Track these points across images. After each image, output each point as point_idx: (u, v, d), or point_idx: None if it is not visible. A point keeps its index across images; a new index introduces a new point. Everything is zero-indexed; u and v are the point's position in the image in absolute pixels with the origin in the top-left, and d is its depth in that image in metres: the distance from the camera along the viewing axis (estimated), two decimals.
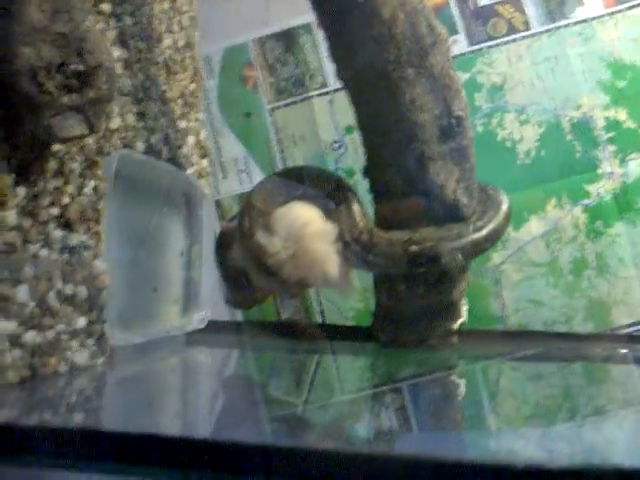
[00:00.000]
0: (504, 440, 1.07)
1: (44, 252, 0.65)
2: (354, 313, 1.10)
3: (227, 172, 1.13)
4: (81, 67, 0.59)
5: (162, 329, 0.90)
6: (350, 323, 1.11)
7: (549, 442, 1.07)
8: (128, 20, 0.84)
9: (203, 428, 0.65)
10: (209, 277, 1.01)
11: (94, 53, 0.59)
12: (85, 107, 0.60)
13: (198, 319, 0.98)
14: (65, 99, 0.58)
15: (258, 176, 1.11)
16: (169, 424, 0.61)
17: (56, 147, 0.67)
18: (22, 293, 0.63)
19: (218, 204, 1.12)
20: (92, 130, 0.61)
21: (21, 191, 0.63)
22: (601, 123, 1.07)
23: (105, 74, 0.60)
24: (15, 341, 0.62)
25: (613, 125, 1.07)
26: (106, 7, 0.78)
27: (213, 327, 1.01)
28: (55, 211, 0.67)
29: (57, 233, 0.67)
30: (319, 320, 1.11)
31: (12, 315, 0.61)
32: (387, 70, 0.79)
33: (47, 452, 0.43)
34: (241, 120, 1.14)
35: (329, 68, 1.12)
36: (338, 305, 1.10)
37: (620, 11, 1.08)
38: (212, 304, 1.02)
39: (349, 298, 1.09)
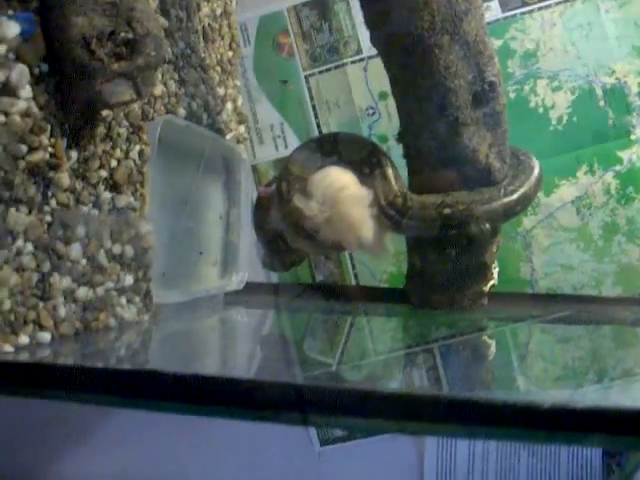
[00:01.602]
0: None
1: (94, 212, 0.69)
2: (387, 276, 1.13)
3: (263, 138, 1.16)
4: (130, 35, 0.61)
5: (202, 289, 0.93)
6: (383, 286, 1.13)
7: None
8: None
9: None
10: (247, 240, 1.04)
11: (142, 22, 0.62)
12: (134, 74, 0.62)
13: (236, 280, 1.02)
14: (115, 66, 0.61)
15: (293, 142, 1.14)
16: None
17: (105, 112, 0.70)
18: (75, 251, 0.66)
19: (255, 169, 1.15)
20: (140, 96, 0.64)
21: (73, 154, 0.66)
22: (635, 89, 1.07)
23: (153, 42, 0.63)
24: (69, 296, 0.65)
25: None
26: None
27: (250, 288, 1.04)
28: (104, 174, 0.71)
29: (106, 195, 0.71)
30: (352, 283, 1.14)
31: (66, 271, 0.65)
32: (421, 37, 0.80)
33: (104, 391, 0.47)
34: (277, 87, 1.16)
35: (363, 35, 1.13)
36: (371, 268, 1.13)
37: None
38: (249, 266, 1.05)
39: (382, 261, 1.12)
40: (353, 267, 1.13)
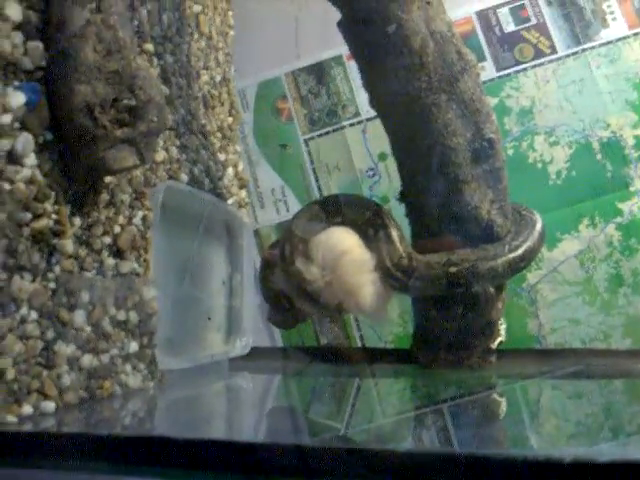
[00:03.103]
0: None
1: (98, 279, 0.68)
2: (393, 338, 1.12)
3: (264, 202, 1.16)
4: (133, 102, 0.62)
5: (207, 355, 0.92)
6: (389, 347, 1.12)
7: None
8: (169, 58, 0.88)
9: None
10: (250, 305, 1.04)
11: (145, 89, 0.63)
12: (137, 139, 0.63)
13: (241, 346, 1.01)
14: (118, 132, 0.62)
15: (295, 205, 1.14)
16: None
17: (107, 179, 0.70)
18: (79, 318, 0.66)
19: (257, 233, 1.15)
20: (143, 161, 0.64)
21: (77, 221, 0.66)
22: (631, 142, 1.08)
23: (155, 108, 0.64)
24: (73, 364, 0.64)
25: None
26: (149, 46, 0.82)
27: (255, 353, 1.03)
28: (107, 240, 0.71)
29: (110, 261, 0.71)
30: (358, 345, 1.12)
31: (70, 339, 0.64)
32: (419, 97, 0.82)
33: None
34: (277, 151, 1.17)
35: (361, 98, 1.15)
36: (377, 330, 1.12)
37: None
38: (253, 331, 1.04)
39: (385, 325, 1.11)
40: (359, 329, 1.12)
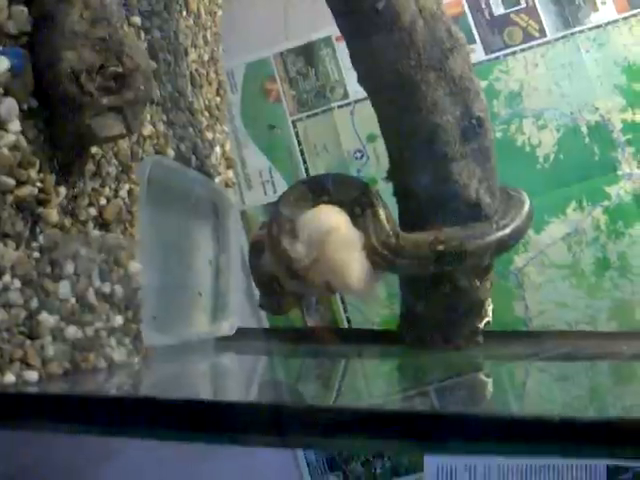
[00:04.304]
0: None
1: (84, 250, 0.68)
2: (380, 319, 1.12)
3: (252, 183, 1.16)
4: (120, 70, 0.62)
5: (193, 333, 0.91)
6: (376, 328, 1.12)
7: None
8: (157, 33, 0.87)
9: None
10: (236, 286, 1.03)
11: (132, 56, 0.62)
12: (124, 108, 0.62)
13: (227, 326, 1.00)
14: (105, 100, 0.61)
15: (282, 187, 1.14)
16: None
17: (94, 150, 0.69)
18: (64, 289, 0.65)
19: (243, 215, 1.14)
20: (130, 130, 0.63)
21: (62, 191, 0.65)
22: (618, 125, 1.09)
23: (142, 76, 0.63)
24: (58, 335, 0.64)
25: (630, 127, 1.08)
26: (137, 20, 0.81)
27: (242, 334, 1.02)
28: (93, 212, 0.70)
29: (95, 233, 0.70)
30: (345, 327, 1.12)
31: (55, 310, 0.63)
32: (409, 74, 0.81)
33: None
34: (264, 132, 1.17)
35: (349, 80, 1.15)
36: (364, 312, 1.12)
37: (634, 15, 1.10)
38: (240, 312, 1.04)
39: (372, 304, 1.11)
40: (345, 311, 1.12)
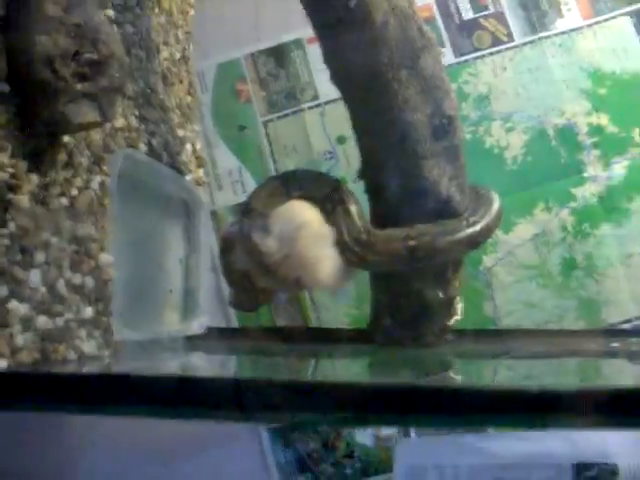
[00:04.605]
0: (503, 442, 1.08)
1: (54, 240, 0.67)
2: (350, 319, 1.12)
3: (222, 183, 1.16)
4: (95, 56, 0.61)
5: (163, 330, 0.91)
6: (346, 327, 1.12)
7: (547, 441, 1.08)
8: (129, 28, 0.87)
9: None
10: (206, 286, 1.02)
11: (107, 43, 0.62)
12: (98, 95, 0.62)
13: (197, 325, 0.99)
14: (79, 86, 0.60)
15: (252, 187, 1.14)
16: None
17: (66, 139, 0.68)
18: (34, 277, 0.64)
19: (213, 215, 1.14)
20: (105, 118, 0.63)
21: (34, 178, 0.64)
22: (584, 129, 1.11)
23: (117, 64, 0.63)
24: (27, 324, 0.62)
25: (596, 130, 1.11)
26: (110, 13, 0.81)
27: (211, 334, 1.02)
28: (65, 201, 0.69)
29: (66, 223, 0.69)
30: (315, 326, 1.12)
31: (25, 298, 0.62)
32: (381, 72, 0.82)
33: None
34: (235, 133, 1.17)
35: (320, 81, 1.16)
36: (334, 311, 1.12)
37: (598, 22, 1.13)
38: (209, 312, 1.03)
39: (341, 301, 1.11)
40: (315, 310, 1.12)
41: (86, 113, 0.62)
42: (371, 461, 1.10)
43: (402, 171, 0.84)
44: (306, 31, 1.16)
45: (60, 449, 1.14)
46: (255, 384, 0.49)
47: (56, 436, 1.14)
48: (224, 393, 0.48)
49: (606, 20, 1.13)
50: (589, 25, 1.13)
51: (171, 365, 0.90)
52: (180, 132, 0.99)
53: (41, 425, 1.12)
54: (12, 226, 0.61)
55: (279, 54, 1.17)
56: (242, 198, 1.14)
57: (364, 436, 1.11)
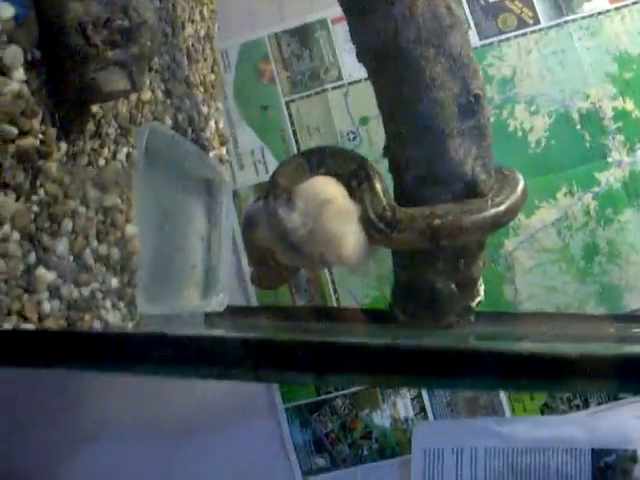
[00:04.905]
0: (520, 426, 1.08)
1: (82, 209, 0.67)
2: (369, 300, 1.11)
3: (244, 163, 1.15)
4: (126, 23, 0.61)
5: (184, 306, 0.91)
6: (366, 307, 1.12)
7: (565, 426, 1.08)
8: (156, 2, 0.87)
9: None
10: (227, 263, 1.02)
11: (138, 10, 0.61)
12: (128, 62, 0.62)
13: (217, 302, 0.99)
14: (110, 54, 0.60)
15: (274, 167, 1.13)
16: None
17: (94, 109, 0.68)
18: (61, 245, 0.64)
19: (235, 194, 1.14)
20: (134, 86, 0.63)
21: (63, 146, 0.64)
22: (609, 113, 1.10)
23: (148, 31, 0.62)
24: (54, 292, 0.63)
25: (621, 115, 1.10)
26: None
27: (230, 311, 1.02)
28: (92, 171, 0.69)
29: (93, 193, 0.69)
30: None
31: (52, 266, 0.62)
32: (408, 49, 0.81)
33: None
34: (257, 113, 1.16)
35: (344, 62, 1.15)
36: (353, 292, 1.11)
37: (626, 6, 1.12)
38: (229, 290, 1.03)
39: (364, 280, 1.10)
40: (334, 291, 1.12)
41: (116, 81, 0.61)
42: (388, 443, 1.10)
43: (427, 150, 0.84)
44: (331, 11, 1.16)
45: (76, 430, 1.15)
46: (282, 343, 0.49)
47: (71, 418, 1.15)
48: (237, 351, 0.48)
49: (634, 3, 1.11)
50: (617, 8, 1.12)
51: None
52: (204, 109, 0.99)
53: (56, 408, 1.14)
54: (41, 193, 0.61)
55: (303, 34, 1.17)
56: (264, 178, 1.14)
57: (382, 418, 1.11)
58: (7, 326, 0.57)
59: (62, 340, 0.48)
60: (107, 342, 0.47)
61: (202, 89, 1.00)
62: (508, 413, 1.08)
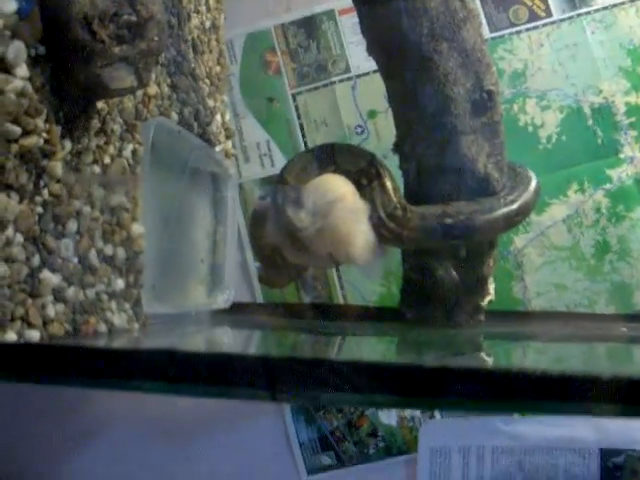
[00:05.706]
0: (528, 425, 1.07)
1: (86, 209, 0.65)
2: (377, 297, 1.10)
3: (249, 156, 1.13)
4: (134, 18, 0.59)
5: (191, 304, 0.89)
6: (373, 305, 1.10)
7: (573, 426, 1.06)
8: None
9: None
10: (232, 260, 1.01)
11: (146, 5, 0.59)
12: (135, 59, 0.60)
13: (222, 300, 0.98)
14: (117, 49, 0.58)
15: (280, 160, 1.12)
16: None
17: (99, 105, 0.66)
18: (66, 247, 0.62)
19: (240, 188, 1.12)
20: (141, 83, 0.61)
21: (67, 145, 0.62)
22: (622, 108, 1.08)
23: (156, 27, 0.60)
24: (59, 295, 0.61)
25: (634, 110, 1.08)
26: None
27: (237, 308, 1.00)
28: (97, 169, 0.67)
29: (98, 192, 0.67)
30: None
31: (56, 268, 0.61)
32: (420, 43, 0.79)
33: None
34: (263, 105, 1.14)
35: (352, 54, 1.13)
36: (360, 289, 1.10)
37: None
38: (235, 287, 1.01)
39: (373, 280, 1.09)
40: (341, 288, 1.10)
41: (122, 78, 0.59)
42: (394, 441, 1.09)
43: (439, 146, 0.82)
44: (338, 2, 1.14)
45: (75, 430, 1.14)
46: (283, 362, 0.47)
47: (71, 418, 1.14)
48: (252, 370, 0.46)
49: None
50: (631, 0, 1.09)
51: (198, 340, 0.89)
52: (210, 102, 0.97)
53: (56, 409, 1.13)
54: (45, 193, 0.60)
55: (310, 25, 1.14)
56: (270, 172, 1.12)
57: (388, 416, 1.10)
58: (11, 332, 0.55)
59: (63, 356, 0.46)
60: (112, 359, 0.45)
61: (208, 82, 0.98)
62: (515, 412, 1.07)
